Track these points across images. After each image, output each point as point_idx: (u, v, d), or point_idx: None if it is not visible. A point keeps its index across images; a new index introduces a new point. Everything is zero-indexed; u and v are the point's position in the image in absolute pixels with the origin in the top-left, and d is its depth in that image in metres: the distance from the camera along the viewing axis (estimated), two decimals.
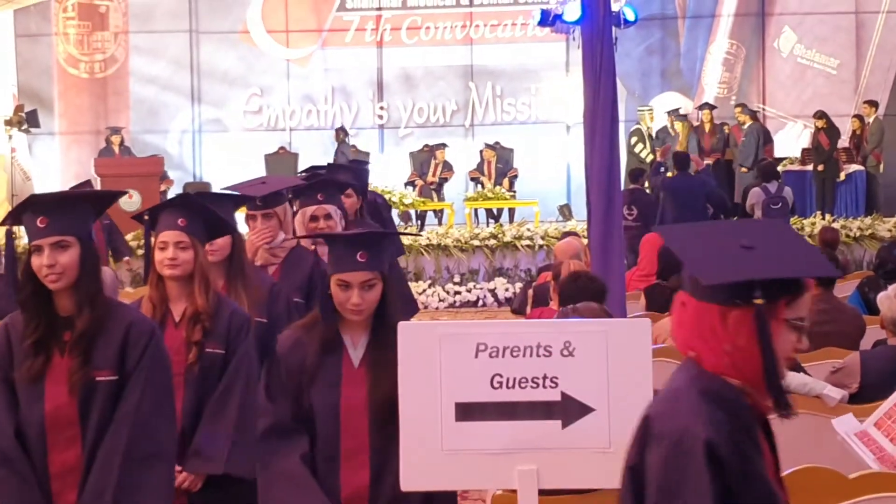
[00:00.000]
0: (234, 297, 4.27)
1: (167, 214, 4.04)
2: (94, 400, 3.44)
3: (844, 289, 8.19)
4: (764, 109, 18.93)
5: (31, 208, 3.45)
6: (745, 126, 16.92)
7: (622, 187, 8.49)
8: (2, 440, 3.44)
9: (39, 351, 3.43)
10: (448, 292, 14.77)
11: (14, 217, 3.57)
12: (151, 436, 3.47)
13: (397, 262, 7.33)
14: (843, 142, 17.43)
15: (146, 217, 4.11)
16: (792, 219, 13.99)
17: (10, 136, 16.29)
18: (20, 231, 4.83)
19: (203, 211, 4.09)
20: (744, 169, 16.60)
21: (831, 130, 16.52)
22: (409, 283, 14.77)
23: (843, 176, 16.55)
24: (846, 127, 17.62)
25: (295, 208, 5.29)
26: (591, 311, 4.02)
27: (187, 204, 4.09)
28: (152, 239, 4.08)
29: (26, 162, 17.55)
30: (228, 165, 17.76)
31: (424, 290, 14.74)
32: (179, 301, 4.02)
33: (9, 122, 16.25)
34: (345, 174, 6.61)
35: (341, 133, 18.43)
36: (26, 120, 16.33)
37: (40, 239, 3.40)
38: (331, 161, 14.36)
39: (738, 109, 17.34)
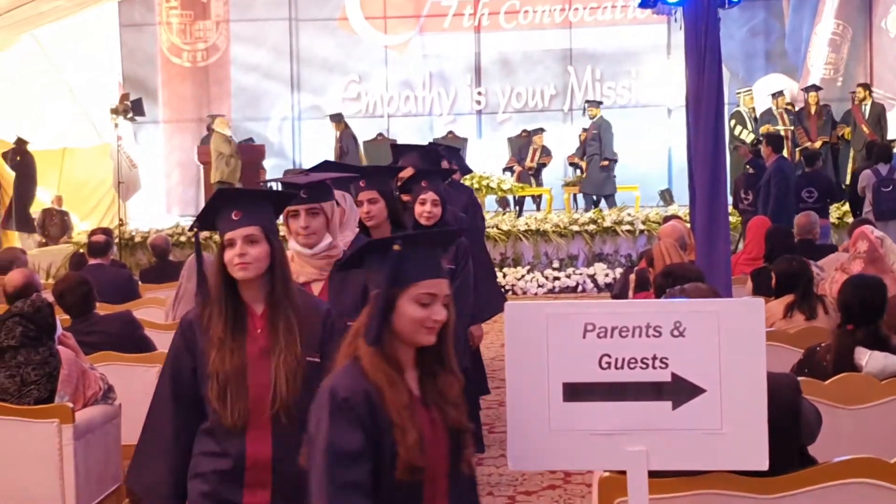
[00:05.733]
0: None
1: (223, 215, 3.40)
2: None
3: None
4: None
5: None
6: (865, 104, 16.53)
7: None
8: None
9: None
10: (547, 278, 14.71)
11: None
12: None
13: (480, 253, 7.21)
14: None
15: (195, 228, 3.47)
16: None
17: (117, 125, 16.59)
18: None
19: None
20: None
21: None
22: (508, 269, 14.79)
23: None
24: None
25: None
26: (700, 291, 3.93)
27: (233, 197, 3.43)
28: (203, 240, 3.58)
29: (132, 149, 17.90)
30: (327, 152, 17.88)
31: (523, 276, 14.71)
32: (257, 304, 3.39)
33: (115, 111, 16.55)
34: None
35: None
36: (131, 108, 16.61)
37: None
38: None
39: (860, 88, 16.92)
